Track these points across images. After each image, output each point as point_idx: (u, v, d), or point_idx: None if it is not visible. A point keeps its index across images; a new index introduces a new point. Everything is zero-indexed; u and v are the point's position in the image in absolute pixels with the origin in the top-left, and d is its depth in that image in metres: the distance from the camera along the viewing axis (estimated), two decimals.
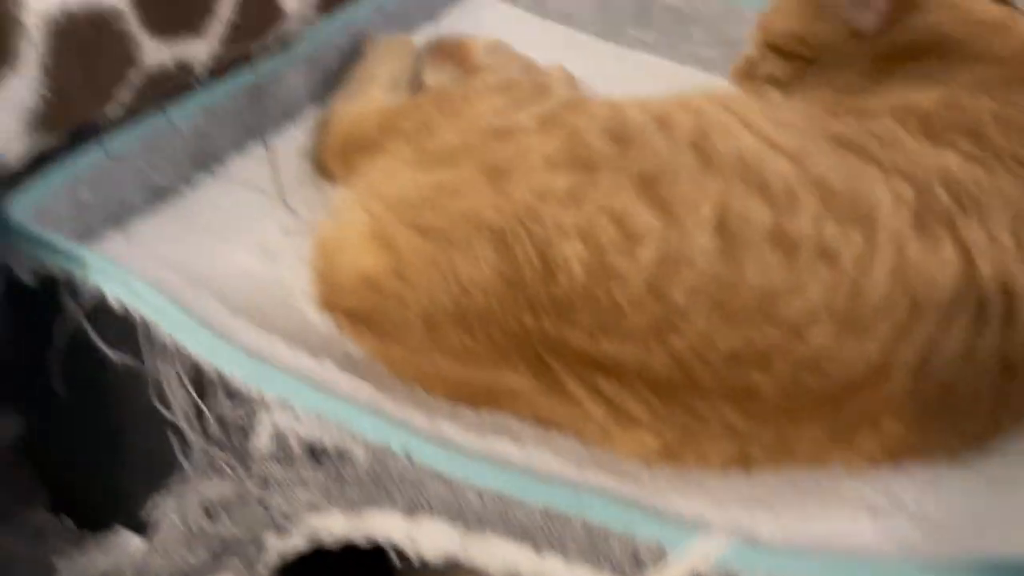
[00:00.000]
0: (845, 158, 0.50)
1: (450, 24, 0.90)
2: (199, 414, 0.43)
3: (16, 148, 0.45)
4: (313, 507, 0.44)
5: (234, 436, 0.43)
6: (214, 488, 0.43)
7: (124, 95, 0.52)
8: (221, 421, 0.43)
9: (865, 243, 0.45)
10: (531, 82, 0.63)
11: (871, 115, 0.56)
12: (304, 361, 0.46)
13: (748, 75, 0.77)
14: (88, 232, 0.52)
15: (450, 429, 0.44)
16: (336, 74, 0.73)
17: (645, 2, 0.91)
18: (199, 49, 0.57)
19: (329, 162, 0.65)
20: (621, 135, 0.51)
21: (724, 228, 0.45)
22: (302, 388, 0.43)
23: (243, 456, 0.43)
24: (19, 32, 0.43)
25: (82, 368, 0.46)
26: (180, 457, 0.43)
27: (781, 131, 0.53)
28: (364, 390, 0.46)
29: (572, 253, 0.44)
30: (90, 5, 0.46)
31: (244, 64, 0.63)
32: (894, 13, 0.67)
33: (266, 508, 0.44)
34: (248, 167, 0.62)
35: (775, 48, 0.73)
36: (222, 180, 0.60)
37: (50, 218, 0.49)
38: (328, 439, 0.43)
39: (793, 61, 0.72)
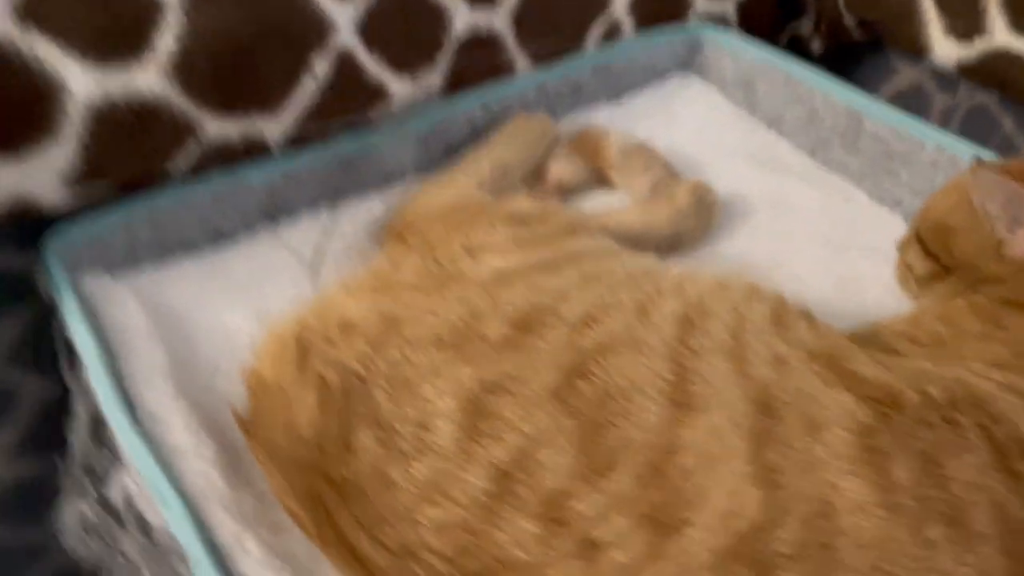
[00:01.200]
0: (729, 436, 0.41)
1: (636, 106, 0.86)
2: (85, 453, 0.52)
3: (54, 197, 0.56)
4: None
5: (96, 482, 0.51)
6: (82, 509, 0.52)
7: (184, 160, 0.61)
8: (90, 462, 0.52)
9: (646, 554, 0.37)
10: (560, 221, 0.60)
11: (857, 382, 0.44)
12: (182, 438, 0.52)
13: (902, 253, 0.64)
14: (135, 263, 0.63)
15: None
16: (458, 144, 0.76)
17: (855, 124, 0.77)
18: (271, 127, 0.64)
19: (386, 240, 0.69)
20: (528, 323, 0.48)
21: (506, 476, 0.40)
22: (153, 468, 0.50)
23: (103, 501, 0.51)
24: (61, 113, 0.54)
25: (53, 370, 0.57)
26: (63, 477, 0.52)
27: (714, 367, 0.45)
28: (216, 486, 0.51)
29: (367, 444, 0.44)
30: (132, 94, 0.56)
31: (339, 133, 0.69)
32: None
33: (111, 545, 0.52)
34: (311, 228, 0.68)
35: (919, 239, 0.60)
36: (279, 237, 0.67)
37: (98, 249, 0.61)
38: (154, 519, 0.49)
39: (929, 260, 0.59)
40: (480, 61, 0.73)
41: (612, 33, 0.83)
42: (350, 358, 0.48)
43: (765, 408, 0.42)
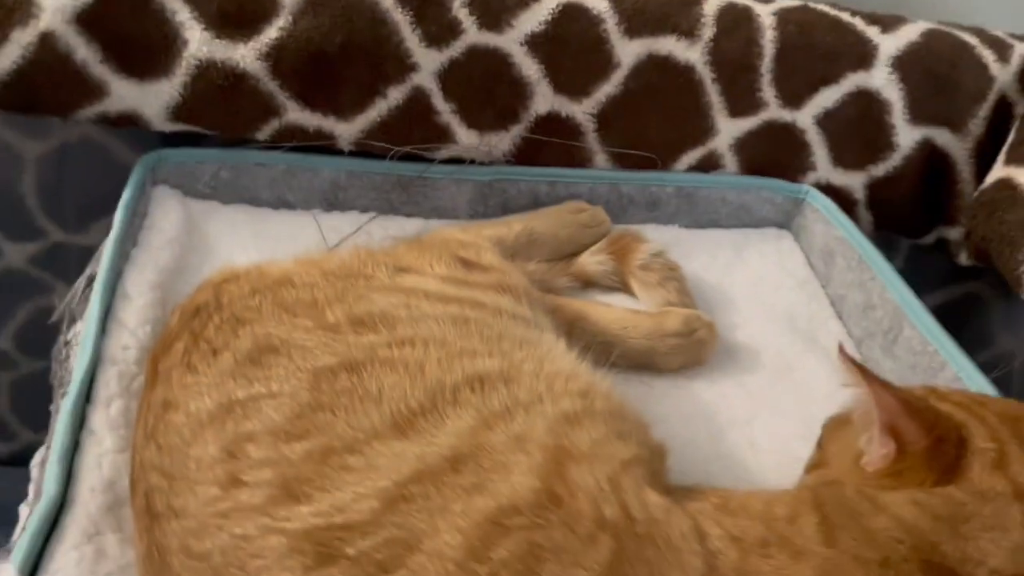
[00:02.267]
0: (392, 469, 0.43)
1: (709, 240, 0.85)
2: (73, 301, 0.66)
3: (160, 123, 0.73)
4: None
5: (69, 325, 0.65)
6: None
7: (266, 131, 0.75)
8: (73, 310, 0.66)
9: (264, 503, 0.41)
10: (501, 279, 0.63)
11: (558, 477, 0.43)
12: (131, 317, 0.63)
13: None
14: (205, 195, 0.77)
15: None
16: (516, 207, 0.82)
17: (897, 326, 0.71)
18: (342, 127, 0.76)
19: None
20: (362, 322, 0.53)
21: (231, 407, 0.46)
22: (92, 326, 0.61)
23: (66, 342, 0.65)
24: (176, 60, 0.70)
25: None
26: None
27: (453, 420, 0.46)
28: (122, 361, 0.61)
29: (177, 350, 0.52)
30: (229, 62, 0.70)
31: (410, 157, 0.79)
32: None
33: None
34: (350, 224, 0.78)
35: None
36: (326, 219, 0.78)
37: (183, 172, 0.76)
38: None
39: (817, 450, 0.55)
40: (555, 142, 0.80)
41: (709, 163, 0.84)
42: (226, 292, 0.57)
43: (453, 463, 0.44)
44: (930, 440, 0.46)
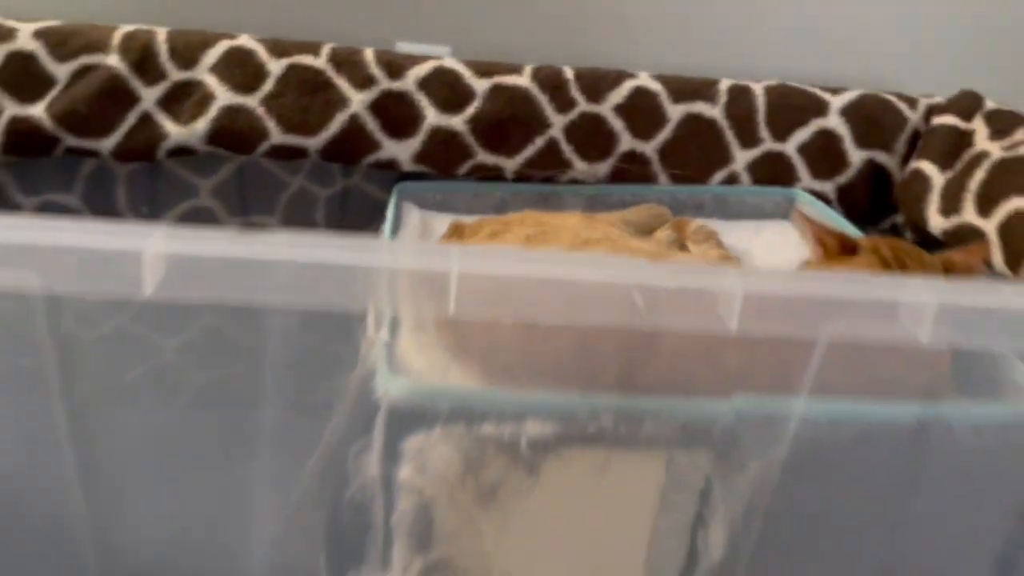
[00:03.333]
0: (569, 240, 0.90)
1: (738, 225, 1.32)
2: None
3: (406, 166, 1.25)
4: None
5: None
6: None
7: (465, 167, 1.27)
8: None
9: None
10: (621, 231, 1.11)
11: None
12: None
13: None
14: (429, 207, 1.28)
15: None
16: (613, 210, 1.31)
17: None
18: (508, 164, 1.27)
19: None
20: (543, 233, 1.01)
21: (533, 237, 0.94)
22: None
23: None
24: (419, 127, 1.23)
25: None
26: None
27: (603, 241, 0.94)
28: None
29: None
30: (448, 126, 1.23)
31: (547, 180, 1.29)
32: None
33: None
34: None
35: None
36: None
37: (419, 196, 1.28)
38: None
39: None
40: (634, 168, 1.30)
41: (732, 179, 1.33)
42: (476, 226, 1.06)
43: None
44: (839, 245, 0.91)
